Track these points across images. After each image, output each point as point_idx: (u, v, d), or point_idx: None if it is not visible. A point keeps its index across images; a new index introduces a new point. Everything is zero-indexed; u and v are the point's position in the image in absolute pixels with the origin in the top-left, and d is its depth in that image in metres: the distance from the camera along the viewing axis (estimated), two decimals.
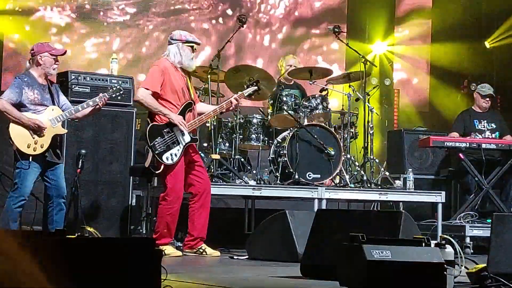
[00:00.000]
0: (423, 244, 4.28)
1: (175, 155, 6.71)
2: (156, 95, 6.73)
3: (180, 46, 6.87)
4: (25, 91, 6.45)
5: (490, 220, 8.26)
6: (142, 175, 7.80)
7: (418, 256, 4.17)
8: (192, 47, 6.90)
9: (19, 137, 6.40)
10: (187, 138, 6.78)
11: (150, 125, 6.78)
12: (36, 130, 6.41)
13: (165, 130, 6.72)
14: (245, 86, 7.40)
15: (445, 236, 4.46)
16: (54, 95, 6.62)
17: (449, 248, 4.35)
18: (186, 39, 6.89)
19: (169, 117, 6.71)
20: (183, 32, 7.00)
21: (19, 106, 6.44)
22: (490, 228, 5.13)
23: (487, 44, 11.81)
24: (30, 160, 6.41)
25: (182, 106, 6.80)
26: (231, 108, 7.18)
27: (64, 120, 6.64)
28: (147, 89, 6.72)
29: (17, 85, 6.46)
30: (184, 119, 6.79)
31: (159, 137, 6.69)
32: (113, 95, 6.83)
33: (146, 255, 3.29)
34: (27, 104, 6.46)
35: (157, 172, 6.77)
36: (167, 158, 6.68)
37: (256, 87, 7.34)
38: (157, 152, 6.67)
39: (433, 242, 4.36)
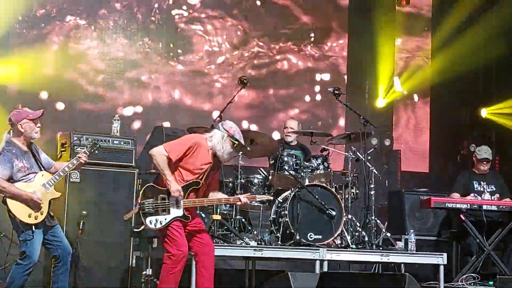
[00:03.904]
0: None
1: (160, 222, 6.56)
2: (171, 161, 6.65)
3: (225, 137, 6.78)
4: (16, 163, 6.40)
5: (492, 283, 8.29)
6: (142, 237, 7.76)
7: None
8: (233, 143, 6.82)
9: (19, 208, 6.36)
10: (179, 212, 6.61)
11: (148, 184, 6.71)
12: (34, 206, 6.38)
13: (161, 195, 6.59)
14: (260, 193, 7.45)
15: None
16: (37, 157, 6.60)
17: None
18: (233, 135, 6.81)
19: (169, 183, 6.62)
20: (234, 126, 6.88)
21: (10, 178, 6.40)
22: None
23: (485, 111, 11.86)
24: (34, 229, 6.37)
25: (188, 182, 6.68)
26: (237, 203, 7.14)
27: (55, 183, 6.59)
28: (166, 151, 6.65)
29: (7, 159, 6.39)
30: (185, 196, 6.74)
31: (152, 199, 6.60)
32: (92, 150, 6.81)
33: None
34: (18, 174, 6.42)
35: (138, 230, 6.67)
36: (150, 222, 6.55)
37: (270, 197, 7.46)
38: (143, 211, 6.55)
39: None
